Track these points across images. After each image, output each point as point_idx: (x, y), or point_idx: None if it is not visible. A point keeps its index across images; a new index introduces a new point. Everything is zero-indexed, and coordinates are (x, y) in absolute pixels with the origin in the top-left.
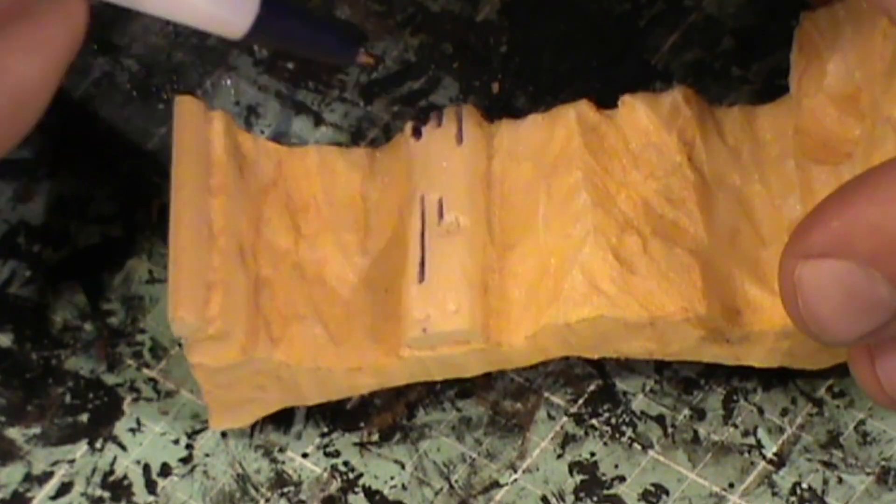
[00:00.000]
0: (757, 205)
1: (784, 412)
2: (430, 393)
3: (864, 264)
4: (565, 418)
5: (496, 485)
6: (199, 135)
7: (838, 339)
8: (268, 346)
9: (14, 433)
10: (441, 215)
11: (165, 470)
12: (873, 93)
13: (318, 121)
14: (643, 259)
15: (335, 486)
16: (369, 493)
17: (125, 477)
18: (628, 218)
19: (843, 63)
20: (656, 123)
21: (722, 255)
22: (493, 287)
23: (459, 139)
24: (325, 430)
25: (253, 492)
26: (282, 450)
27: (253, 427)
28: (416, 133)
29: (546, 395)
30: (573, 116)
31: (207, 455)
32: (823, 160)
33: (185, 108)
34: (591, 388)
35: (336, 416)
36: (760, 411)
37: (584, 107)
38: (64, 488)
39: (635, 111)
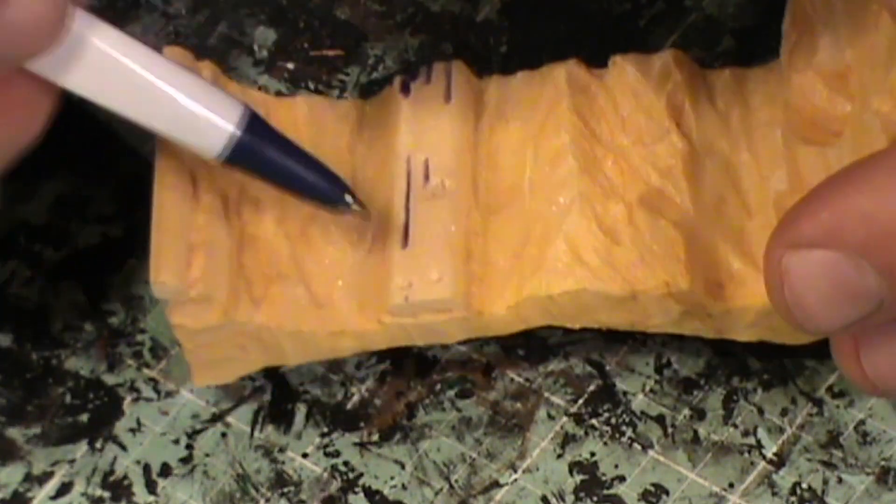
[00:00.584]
0: (744, 174)
1: (784, 412)
2: (430, 393)
3: (853, 255)
4: (565, 418)
5: (496, 485)
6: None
7: (822, 328)
8: (249, 308)
9: (14, 433)
10: (427, 177)
11: (165, 470)
12: (863, 76)
13: None
14: (628, 229)
15: (335, 486)
16: (369, 493)
17: (125, 477)
18: (614, 185)
19: (834, 40)
20: (645, 86)
21: (707, 225)
22: (476, 252)
23: (448, 97)
24: (325, 430)
25: (253, 492)
26: (282, 450)
27: (253, 427)
28: (405, 89)
29: (546, 395)
30: (563, 76)
31: (207, 455)
32: (811, 139)
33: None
34: (591, 388)
35: (336, 416)
36: (760, 411)
37: (575, 66)
38: (64, 488)
39: (625, 73)
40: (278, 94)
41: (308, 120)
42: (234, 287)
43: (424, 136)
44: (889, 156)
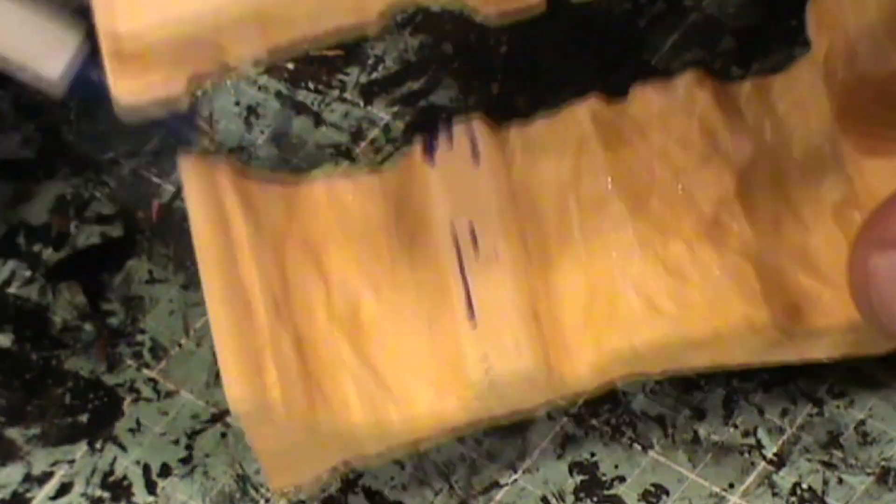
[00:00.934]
0: (791, 188)
1: (784, 412)
2: None
3: None
4: (565, 418)
5: (496, 485)
6: (210, 193)
7: None
8: (325, 408)
9: (14, 433)
10: (475, 243)
11: (165, 470)
12: None
13: (318, 121)
14: (694, 267)
15: (335, 486)
16: (369, 493)
17: (125, 477)
18: (667, 222)
19: (873, 42)
20: (673, 113)
21: (770, 247)
22: (542, 314)
23: (476, 158)
24: None
25: (253, 492)
26: None
27: None
28: (429, 157)
29: None
30: (586, 115)
31: (207, 455)
32: (866, 147)
33: (190, 167)
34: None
35: None
36: (760, 411)
37: (595, 102)
38: (64, 488)
39: (648, 102)
40: (278, 94)
41: (330, 202)
42: (306, 389)
43: (462, 202)
44: None
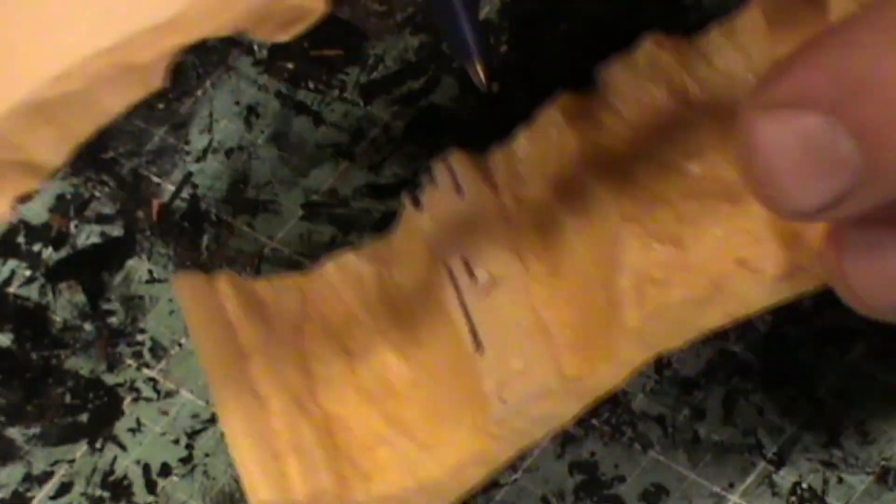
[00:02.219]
0: None
1: (784, 412)
2: None
3: (827, 114)
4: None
5: (496, 485)
6: (209, 306)
7: (797, 205)
8: (362, 484)
9: (14, 433)
10: (472, 275)
11: (165, 470)
12: None
13: (318, 121)
14: (683, 227)
15: None
16: None
17: (125, 477)
18: (653, 191)
19: None
20: (641, 82)
21: None
22: (552, 322)
23: (460, 191)
24: None
25: None
26: None
27: None
28: (416, 203)
29: None
30: (558, 114)
31: (207, 455)
32: None
33: (185, 286)
34: None
35: None
36: (760, 411)
37: (565, 99)
38: (64, 488)
39: (615, 79)
40: (278, 94)
41: (343, 280)
42: (339, 472)
43: (452, 237)
44: (867, 14)
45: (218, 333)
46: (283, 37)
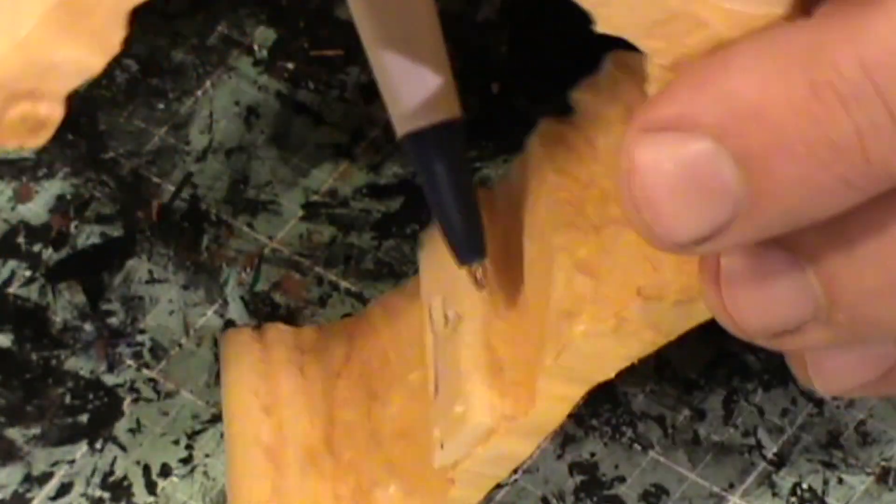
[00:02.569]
0: None
1: (784, 412)
2: None
3: (711, 140)
4: (565, 419)
5: (496, 486)
6: (243, 366)
7: (673, 235)
8: None
9: (14, 433)
10: (446, 317)
11: (165, 470)
12: None
13: (318, 121)
14: (602, 257)
15: None
16: None
17: (125, 477)
18: (591, 219)
19: None
20: (603, 105)
21: None
22: (506, 360)
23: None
24: None
25: None
26: None
27: None
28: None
29: None
30: (537, 142)
31: (207, 455)
32: None
33: (231, 342)
34: (591, 388)
35: None
36: (760, 411)
37: (545, 125)
38: (64, 489)
39: (585, 103)
40: (278, 94)
41: (384, 319)
42: None
43: (435, 279)
44: (756, 39)
45: (244, 394)
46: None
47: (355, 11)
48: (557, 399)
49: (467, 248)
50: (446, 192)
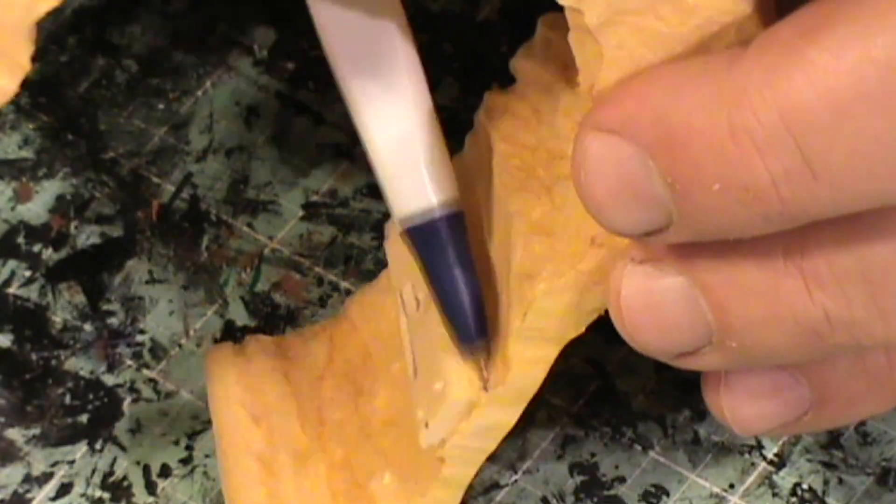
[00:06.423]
0: None
1: None
2: None
3: (643, 152)
4: (565, 419)
5: (496, 486)
6: (229, 379)
7: (612, 223)
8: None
9: (14, 433)
10: (417, 301)
11: (165, 471)
12: None
13: (318, 121)
14: (556, 215)
15: None
16: None
17: (125, 478)
18: (542, 180)
19: None
20: (538, 67)
21: None
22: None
23: None
24: None
25: None
26: None
27: None
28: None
29: (546, 395)
30: (483, 114)
31: (207, 456)
32: None
33: (214, 359)
34: (591, 388)
35: None
36: None
37: (490, 96)
38: (64, 489)
39: (521, 68)
40: (278, 94)
41: (362, 314)
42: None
43: (406, 268)
44: (695, 62)
45: (232, 407)
46: None
47: (351, 109)
48: (532, 362)
49: (472, 330)
50: (449, 282)
